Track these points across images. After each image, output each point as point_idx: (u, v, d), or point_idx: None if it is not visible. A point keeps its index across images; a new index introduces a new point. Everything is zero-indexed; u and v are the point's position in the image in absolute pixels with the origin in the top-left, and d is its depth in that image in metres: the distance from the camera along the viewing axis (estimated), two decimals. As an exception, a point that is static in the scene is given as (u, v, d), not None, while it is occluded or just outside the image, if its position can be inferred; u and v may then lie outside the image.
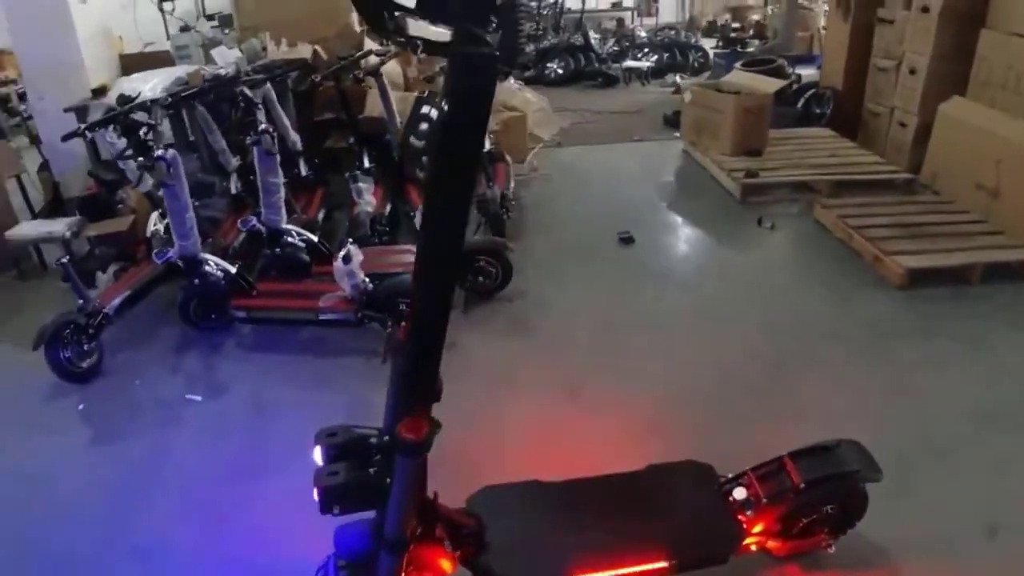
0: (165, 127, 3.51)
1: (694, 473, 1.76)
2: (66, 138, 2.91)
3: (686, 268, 3.72)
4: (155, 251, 2.91)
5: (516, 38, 0.92)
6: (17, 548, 2.09)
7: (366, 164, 3.90)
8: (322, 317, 2.71)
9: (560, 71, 7.51)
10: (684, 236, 4.04)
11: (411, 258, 2.84)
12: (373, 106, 4.08)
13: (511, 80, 5.19)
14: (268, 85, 3.66)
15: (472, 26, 0.88)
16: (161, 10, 5.58)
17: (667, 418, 2.39)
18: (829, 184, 4.22)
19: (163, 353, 3.05)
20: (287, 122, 3.81)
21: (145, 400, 2.79)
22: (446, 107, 0.97)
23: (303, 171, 3.89)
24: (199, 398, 2.73)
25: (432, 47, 0.94)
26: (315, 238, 2.98)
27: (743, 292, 3.31)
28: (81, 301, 2.95)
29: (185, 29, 4.95)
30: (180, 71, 4.00)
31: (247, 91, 3.09)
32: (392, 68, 4.33)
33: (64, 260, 2.93)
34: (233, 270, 2.89)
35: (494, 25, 0.89)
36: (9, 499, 2.34)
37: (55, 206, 4.27)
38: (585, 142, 5.43)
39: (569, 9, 8.52)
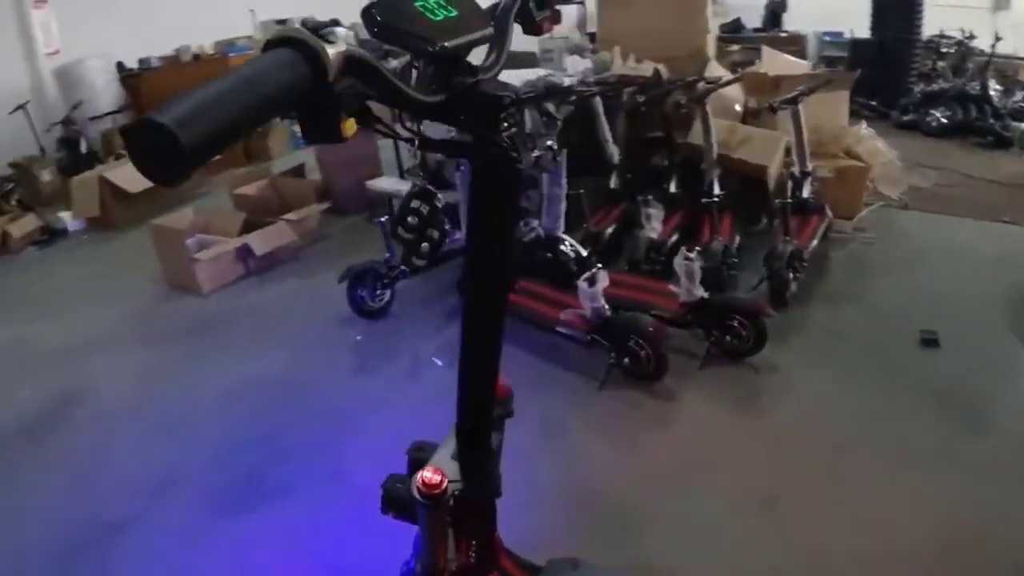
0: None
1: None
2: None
3: (1011, 411, 2.56)
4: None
5: (520, 139, 0.90)
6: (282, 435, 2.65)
7: (672, 188, 3.91)
8: (558, 328, 2.82)
9: (944, 120, 6.45)
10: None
11: (661, 298, 2.81)
12: (698, 133, 4.02)
13: (863, 125, 4.67)
14: (597, 98, 3.84)
15: (485, 129, 0.87)
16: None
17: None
18: None
19: (437, 316, 3.46)
20: (608, 135, 3.95)
21: (404, 349, 3.26)
22: (471, 202, 1.00)
23: (671, 188, 3.90)
24: (440, 363, 3.07)
25: (434, 146, 0.95)
26: (584, 252, 3.08)
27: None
28: (388, 255, 3.49)
29: (556, 34, 5.36)
30: (532, 73, 4.36)
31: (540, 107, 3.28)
32: (730, 96, 4.20)
33: (382, 219, 3.47)
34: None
35: (507, 125, 0.87)
36: (276, 398, 2.95)
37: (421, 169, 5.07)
38: (939, 210, 4.63)
39: (980, 51, 7.21)
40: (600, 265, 2.83)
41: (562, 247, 3.10)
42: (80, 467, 2.73)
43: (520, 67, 4.83)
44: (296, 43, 0.60)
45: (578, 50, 4.96)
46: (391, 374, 3.10)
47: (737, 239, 3.51)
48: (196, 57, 8.22)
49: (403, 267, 3.46)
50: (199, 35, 8.59)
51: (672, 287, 2.74)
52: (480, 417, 1.18)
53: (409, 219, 0.82)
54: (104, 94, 8.05)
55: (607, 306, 2.66)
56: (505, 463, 1.33)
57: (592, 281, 2.60)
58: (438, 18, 0.80)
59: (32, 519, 2.48)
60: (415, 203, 0.82)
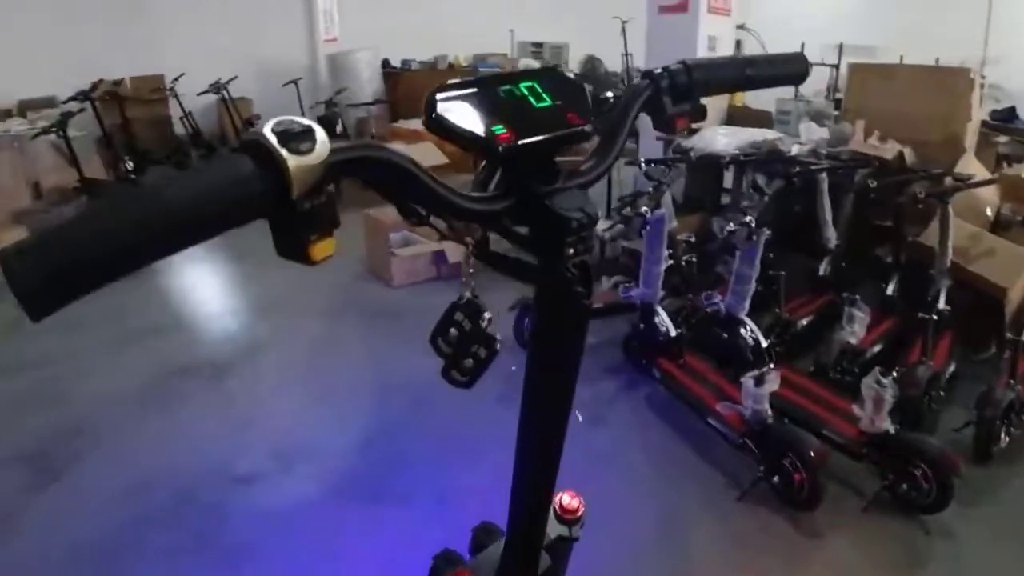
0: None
1: None
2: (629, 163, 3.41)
3: None
4: (620, 287, 3.21)
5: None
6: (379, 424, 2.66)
7: (888, 291, 3.48)
8: (709, 420, 2.59)
9: None
10: None
11: (838, 419, 2.48)
12: (934, 233, 3.53)
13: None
14: (824, 174, 3.53)
15: (547, 253, 0.74)
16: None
17: None
18: None
19: (596, 367, 3.36)
20: (828, 216, 3.60)
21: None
22: (532, 325, 0.88)
23: (887, 290, 3.49)
24: (580, 419, 2.94)
25: (491, 260, 0.81)
26: (764, 343, 2.80)
27: None
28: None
29: (798, 97, 5.00)
30: (761, 134, 4.10)
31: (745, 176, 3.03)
32: (981, 197, 3.64)
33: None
34: (673, 333, 2.97)
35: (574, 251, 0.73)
36: (421, 402, 3.01)
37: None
38: None
39: None
40: (774, 364, 2.55)
41: (741, 331, 2.84)
42: (236, 416, 3.05)
43: (759, 125, 4.58)
44: (257, 151, 0.50)
45: (818, 117, 4.58)
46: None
47: (952, 366, 3.00)
48: (451, 66, 8.76)
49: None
50: (460, 45, 9.17)
51: (855, 409, 2.39)
52: (529, 539, 1.06)
53: (451, 331, 0.75)
54: (367, 85, 8.85)
55: (770, 411, 2.38)
56: (599, 543, 1.19)
57: (760, 380, 2.35)
58: (524, 107, 0.71)
59: (175, 452, 2.80)
60: (458, 315, 0.75)
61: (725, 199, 4.45)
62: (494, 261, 0.78)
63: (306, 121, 0.52)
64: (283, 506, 2.49)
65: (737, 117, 5.10)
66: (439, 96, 0.66)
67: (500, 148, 0.67)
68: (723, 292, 2.94)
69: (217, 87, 7.78)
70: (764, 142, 3.98)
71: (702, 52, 4.98)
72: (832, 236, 3.66)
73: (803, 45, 6.31)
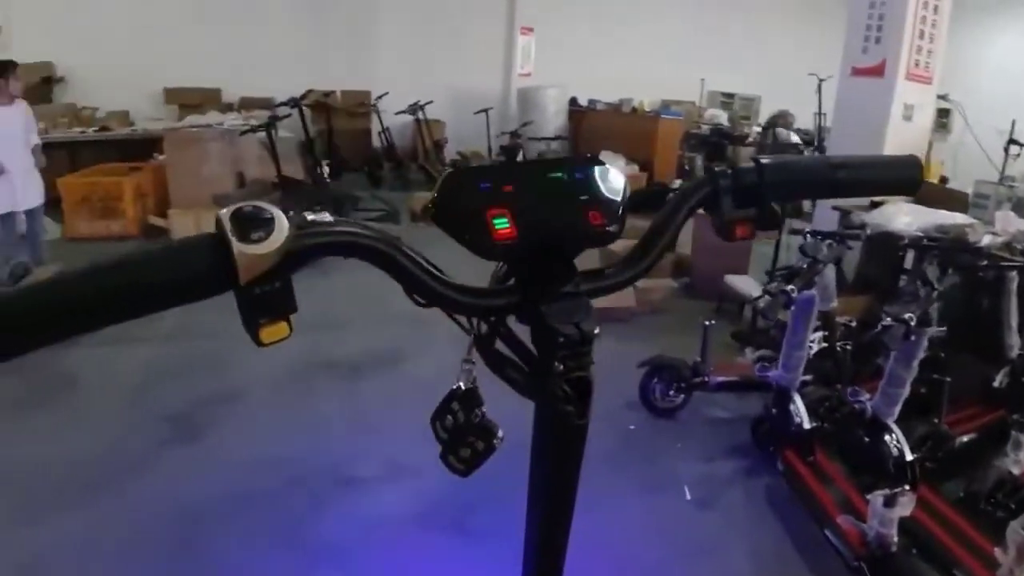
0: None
1: None
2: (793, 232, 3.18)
3: None
4: (758, 364, 2.97)
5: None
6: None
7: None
8: (826, 531, 2.31)
9: None
10: None
11: (975, 561, 2.13)
12: None
13: None
14: (1013, 273, 3.10)
15: (540, 365, 0.66)
16: (1005, 151, 5.14)
17: None
18: None
19: (718, 445, 3.14)
20: (1013, 321, 3.15)
21: (665, 461, 3.03)
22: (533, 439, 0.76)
23: None
24: (689, 497, 2.75)
25: (489, 359, 0.71)
26: (909, 457, 2.47)
27: None
28: (699, 359, 3.29)
29: (1003, 181, 4.44)
30: (950, 217, 3.67)
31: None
32: None
33: (708, 323, 3.27)
34: (807, 425, 2.71)
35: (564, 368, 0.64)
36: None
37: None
38: None
39: None
40: (915, 484, 2.23)
41: (886, 437, 2.52)
42: (364, 419, 3.16)
43: (943, 206, 4.11)
44: (216, 235, 0.51)
45: (1022, 205, 4.04)
46: (633, 480, 2.88)
47: None
48: (634, 109, 8.74)
49: (707, 378, 3.23)
50: (647, 90, 9.13)
51: (998, 553, 2.03)
52: None
53: (446, 419, 0.69)
54: (551, 120, 9.06)
55: (896, 538, 2.08)
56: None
57: (891, 501, 2.06)
58: (540, 200, 0.64)
59: (300, 439, 2.94)
60: (455, 406, 0.68)
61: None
62: (492, 360, 0.70)
63: (270, 209, 0.52)
64: (378, 515, 2.54)
65: (930, 195, 4.61)
66: (450, 180, 0.63)
67: (495, 246, 0.61)
68: (874, 389, 2.64)
69: (414, 108, 8.30)
70: (952, 227, 3.56)
71: (896, 120, 4.57)
72: (1016, 344, 3.18)
73: (1013, 124, 5.64)
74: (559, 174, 0.67)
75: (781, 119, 7.62)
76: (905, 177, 0.83)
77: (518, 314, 0.66)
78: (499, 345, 0.70)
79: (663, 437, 3.22)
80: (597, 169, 0.69)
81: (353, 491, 2.70)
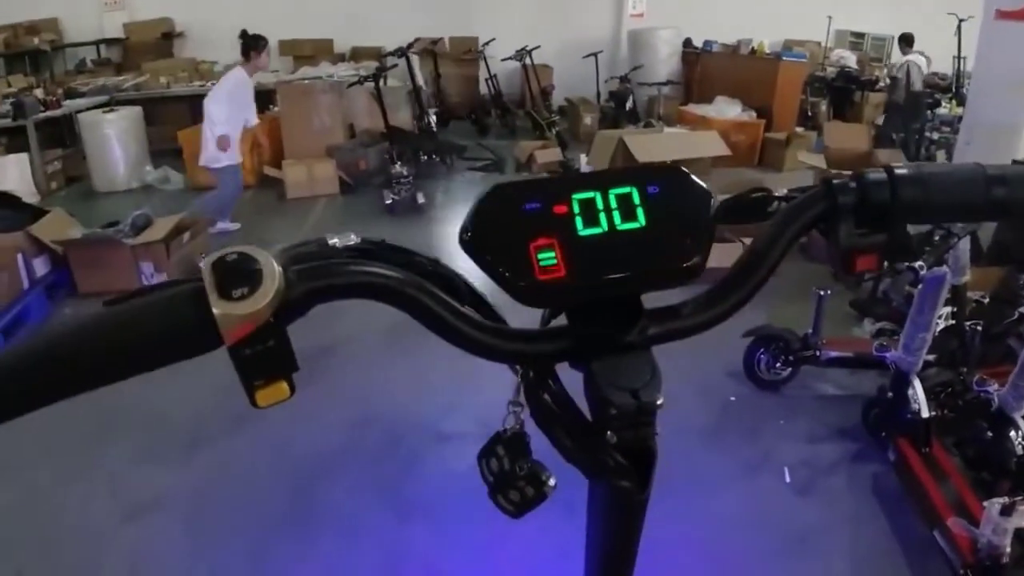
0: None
1: None
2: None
3: None
4: (876, 343, 2.76)
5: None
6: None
7: None
8: (935, 532, 2.15)
9: None
10: None
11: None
12: None
13: None
14: None
15: (591, 437, 0.55)
16: None
17: None
18: None
19: (826, 426, 2.98)
20: None
21: (766, 438, 2.92)
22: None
23: None
24: (788, 480, 2.64)
25: (540, 420, 0.60)
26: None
27: None
28: (810, 332, 3.10)
29: None
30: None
31: None
32: None
33: (822, 292, 3.07)
34: (925, 414, 2.51)
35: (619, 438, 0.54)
36: None
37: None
38: None
39: None
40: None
41: (1012, 434, 2.31)
42: (462, 376, 3.10)
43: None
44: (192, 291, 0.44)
45: None
46: (729, 457, 2.79)
47: None
48: (753, 51, 8.21)
49: (818, 352, 3.05)
50: (769, 29, 8.54)
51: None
52: None
53: (492, 462, 0.62)
54: (664, 64, 8.68)
55: (1009, 549, 1.91)
56: None
57: (1009, 510, 1.88)
58: (609, 223, 0.52)
59: (402, 394, 3.02)
60: (500, 450, 0.60)
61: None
62: (540, 414, 0.59)
63: (259, 256, 0.45)
64: (468, 472, 2.58)
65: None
66: (491, 198, 0.52)
67: (539, 288, 0.50)
68: (1004, 376, 2.41)
69: (521, 54, 8.14)
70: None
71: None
72: None
73: None
74: (627, 189, 0.54)
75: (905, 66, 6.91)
76: None
77: (570, 362, 0.56)
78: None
79: (765, 412, 3.09)
80: (676, 180, 0.55)
81: (448, 446, 2.79)
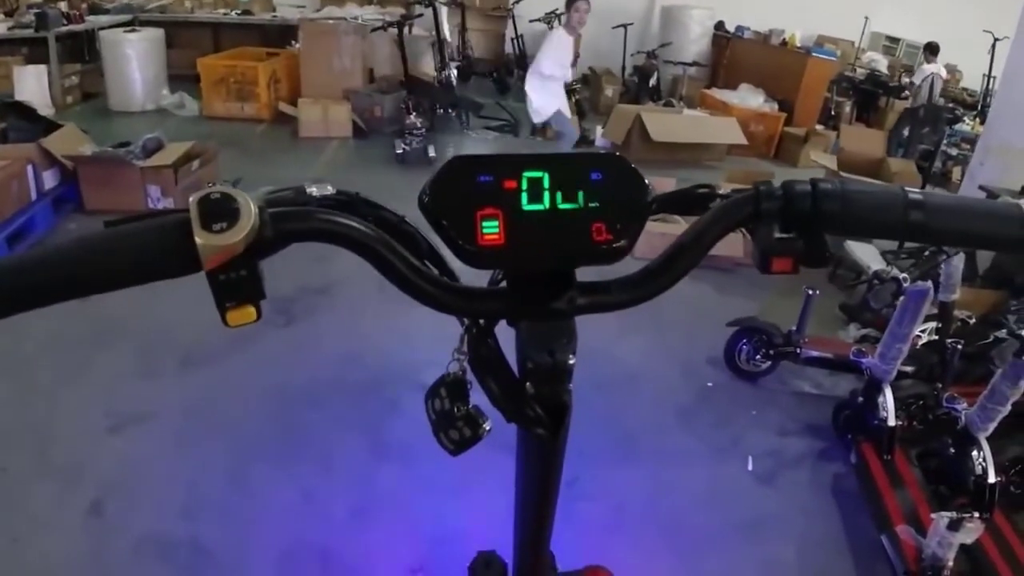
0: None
1: None
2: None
3: None
4: (854, 348, 2.81)
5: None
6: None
7: None
8: (883, 537, 2.23)
9: None
10: None
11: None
12: None
13: None
14: None
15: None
16: None
17: None
18: None
19: (797, 422, 3.04)
20: None
21: (738, 428, 2.97)
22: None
23: None
24: (751, 468, 2.71)
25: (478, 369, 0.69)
26: (993, 479, 2.29)
27: None
28: (794, 328, 3.15)
29: None
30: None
31: None
32: None
33: (811, 291, 3.10)
34: (892, 422, 2.57)
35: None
36: (602, 386, 3.03)
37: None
38: None
39: None
40: (991, 511, 2.10)
41: (973, 453, 2.36)
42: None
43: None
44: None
45: None
46: (698, 439, 2.86)
47: None
48: (784, 43, 8.10)
49: (799, 350, 3.10)
50: (804, 22, 8.42)
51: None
52: None
53: (435, 402, 0.66)
54: (693, 44, 8.57)
55: (952, 563, 1.98)
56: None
57: (957, 525, 1.95)
58: (551, 202, 0.57)
59: (389, 338, 3.09)
60: (442, 391, 0.65)
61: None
62: (478, 362, 0.66)
63: (240, 197, 0.52)
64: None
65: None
66: (450, 167, 0.57)
67: (480, 252, 0.56)
68: (975, 396, 2.46)
69: (550, 17, 8.04)
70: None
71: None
72: None
73: None
74: (573, 172, 0.59)
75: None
76: (1003, 234, 0.66)
77: (507, 321, 0.63)
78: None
79: (740, 401, 3.15)
80: (618, 169, 0.60)
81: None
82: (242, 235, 0.51)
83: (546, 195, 0.58)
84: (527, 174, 0.58)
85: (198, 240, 0.50)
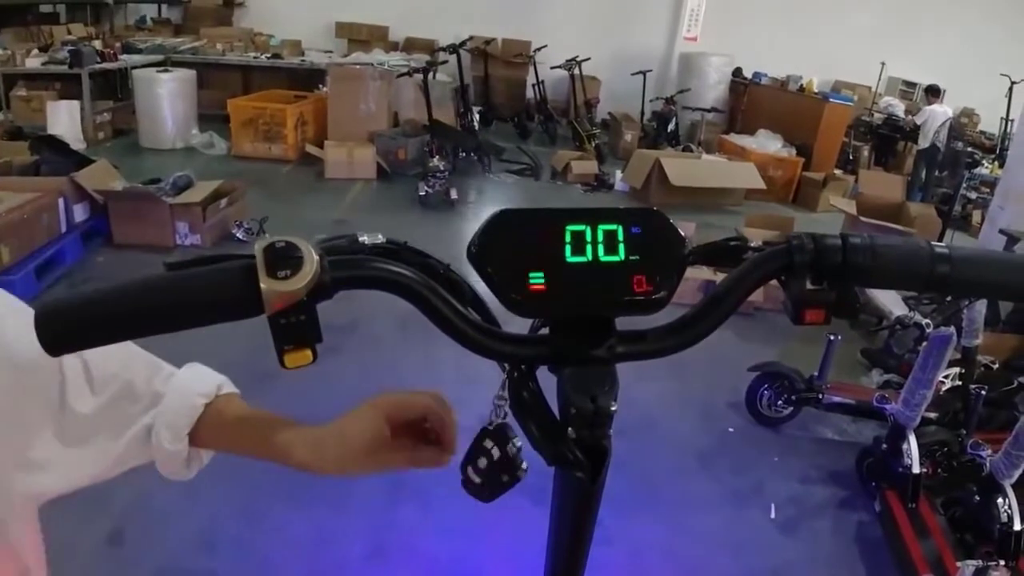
0: None
1: None
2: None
3: None
4: (877, 394, 2.80)
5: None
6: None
7: None
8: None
9: None
10: None
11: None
12: None
13: None
14: None
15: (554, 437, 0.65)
16: None
17: None
18: None
19: (819, 471, 3.00)
20: None
21: (760, 475, 2.94)
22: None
23: None
24: (773, 516, 2.67)
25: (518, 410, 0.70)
26: (1019, 527, 2.26)
27: None
28: (816, 375, 3.14)
29: None
30: None
31: None
32: None
33: (833, 337, 3.11)
34: (916, 470, 2.54)
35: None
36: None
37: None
38: None
39: None
40: (1009, 561, 2.06)
41: (999, 501, 2.33)
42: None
43: None
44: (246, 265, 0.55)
45: None
46: (720, 485, 2.83)
47: None
48: (801, 88, 8.19)
49: (821, 396, 3.08)
50: (821, 68, 8.52)
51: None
52: None
53: (480, 461, 0.66)
54: (711, 90, 8.69)
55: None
56: None
57: (981, 574, 1.92)
58: (584, 259, 0.60)
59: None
60: (488, 443, 0.65)
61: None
62: (519, 406, 0.67)
63: (303, 246, 0.55)
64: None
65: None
66: (494, 222, 0.61)
67: (525, 301, 0.59)
68: (1000, 443, 2.43)
69: (570, 64, 8.20)
70: None
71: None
72: None
73: None
74: (613, 226, 0.62)
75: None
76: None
77: (549, 367, 0.65)
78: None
79: (761, 447, 3.13)
80: (656, 223, 0.63)
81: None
82: (304, 282, 0.54)
83: (588, 248, 0.61)
84: (571, 228, 0.61)
85: (263, 286, 0.53)
